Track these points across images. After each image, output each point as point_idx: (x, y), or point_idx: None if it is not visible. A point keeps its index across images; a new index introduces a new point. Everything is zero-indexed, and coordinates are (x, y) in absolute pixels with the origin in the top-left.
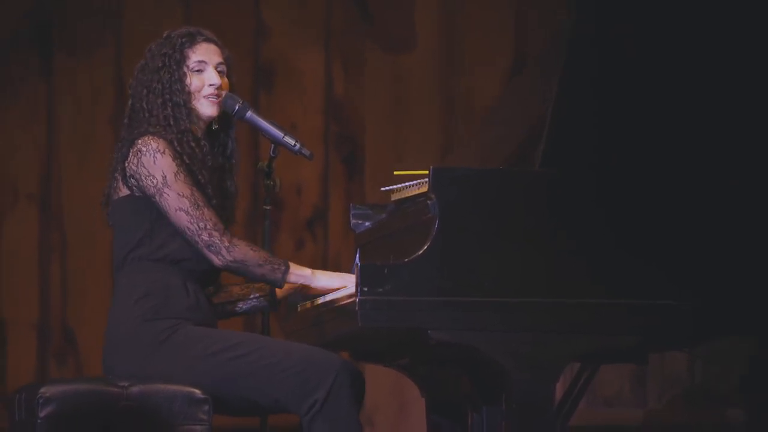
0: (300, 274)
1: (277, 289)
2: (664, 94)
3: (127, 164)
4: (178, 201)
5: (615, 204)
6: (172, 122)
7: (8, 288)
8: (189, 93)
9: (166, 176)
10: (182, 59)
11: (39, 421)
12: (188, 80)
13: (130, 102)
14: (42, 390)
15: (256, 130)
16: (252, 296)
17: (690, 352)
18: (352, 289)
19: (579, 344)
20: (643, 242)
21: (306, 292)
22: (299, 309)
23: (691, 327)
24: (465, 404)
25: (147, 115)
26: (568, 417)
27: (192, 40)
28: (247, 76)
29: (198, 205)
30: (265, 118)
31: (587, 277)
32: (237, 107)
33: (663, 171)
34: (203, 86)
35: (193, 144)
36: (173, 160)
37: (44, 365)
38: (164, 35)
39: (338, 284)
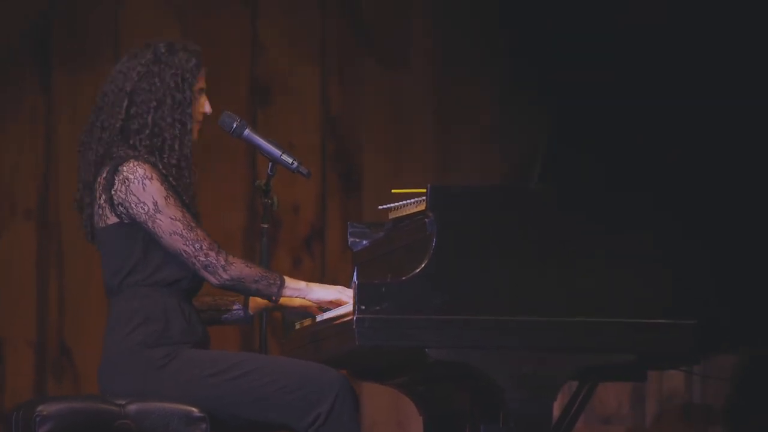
0: (295, 287)
1: (251, 303)
2: (662, 109)
3: (113, 192)
4: (171, 225)
5: (613, 221)
6: (177, 146)
7: (5, 304)
8: (191, 115)
9: (156, 202)
10: (193, 83)
11: None
12: (194, 105)
13: (126, 102)
14: (39, 408)
15: (253, 148)
16: (235, 307)
17: (688, 370)
18: (349, 307)
19: (577, 363)
20: (641, 260)
21: (302, 308)
22: (297, 327)
23: (690, 345)
24: (463, 422)
25: (149, 131)
26: None
27: (199, 64)
28: (244, 93)
29: (191, 227)
30: (262, 135)
31: (586, 295)
32: (234, 125)
33: (661, 188)
34: (200, 113)
35: (184, 168)
36: (161, 185)
37: (42, 382)
38: (168, 44)
39: (333, 296)
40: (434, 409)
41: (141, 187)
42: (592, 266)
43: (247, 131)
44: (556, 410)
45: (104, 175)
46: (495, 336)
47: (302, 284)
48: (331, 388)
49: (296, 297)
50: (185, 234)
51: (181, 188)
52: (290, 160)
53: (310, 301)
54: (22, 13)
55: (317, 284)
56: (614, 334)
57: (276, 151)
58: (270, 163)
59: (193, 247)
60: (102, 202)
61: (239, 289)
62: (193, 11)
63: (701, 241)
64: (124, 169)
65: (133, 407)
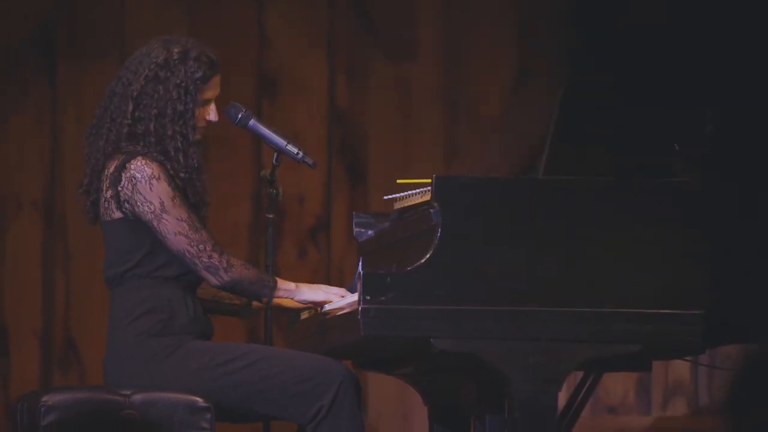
0: (286, 288)
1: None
2: (666, 104)
3: (120, 189)
4: (177, 225)
5: (619, 212)
6: (181, 158)
7: (12, 296)
8: (195, 127)
9: (163, 202)
10: (197, 92)
11: (41, 429)
12: (197, 113)
13: (131, 106)
14: (44, 398)
15: (258, 138)
16: (237, 300)
17: (694, 360)
18: (355, 297)
19: (583, 353)
20: (647, 250)
21: (295, 309)
22: (302, 317)
23: (697, 335)
24: (468, 412)
25: (152, 139)
26: (571, 424)
27: (207, 76)
28: (250, 85)
29: (196, 228)
30: (268, 126)
31: (591, 286)
32: (240, 116)
33: (666, 177)
34: (203, 119)
35: (194, 179)
36: (168, 185)
37: (47, 374)
38: (183, 49)
39: (321, 297)
40: (439, 400)
41: (148, 187)
42: (597, 257)
43: (252, 121)
44: (562, 400)
45: (111, 169)
46: (500, 326)
47: (292, 285)
48: (334, 380)
49: (286, 298)
50: (190, 234)
51: (190, 192)
52: (295, 151)
53: (298, 302)
54: (28, 10)
55: (306, 285)
56: (621, 325)
57: (281, 141)
58: (275, 154)
59: (197, 248)
60: (108, 196)
61: (236, 290)
62: (200, 4)
63: (708, 229)
64: (132, 166)
65: (138, 397)
